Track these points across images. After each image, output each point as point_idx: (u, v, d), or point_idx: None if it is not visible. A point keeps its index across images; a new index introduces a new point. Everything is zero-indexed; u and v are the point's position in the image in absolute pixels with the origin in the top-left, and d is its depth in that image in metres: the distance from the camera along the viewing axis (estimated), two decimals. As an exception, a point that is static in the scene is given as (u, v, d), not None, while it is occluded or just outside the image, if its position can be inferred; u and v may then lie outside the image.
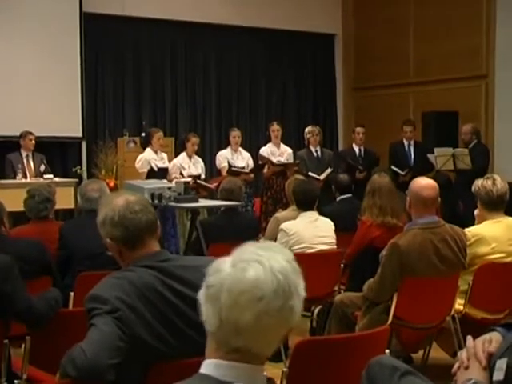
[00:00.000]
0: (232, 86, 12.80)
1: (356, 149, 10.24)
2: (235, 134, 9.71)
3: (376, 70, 12.78)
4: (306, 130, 10.01)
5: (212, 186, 8.82)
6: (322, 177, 9.36)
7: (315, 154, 9.84)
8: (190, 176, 8.94)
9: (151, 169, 8.91)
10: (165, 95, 12.16)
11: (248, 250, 1.54)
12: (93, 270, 4.09)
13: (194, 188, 8.44)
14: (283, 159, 9.70)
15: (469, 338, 1.91)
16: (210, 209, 8.22)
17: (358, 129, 10.32)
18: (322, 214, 5.82)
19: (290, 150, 9.94)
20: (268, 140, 9.91)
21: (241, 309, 1.47)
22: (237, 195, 6.53)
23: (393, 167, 9.76)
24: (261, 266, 1.50)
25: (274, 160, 9.63)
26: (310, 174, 9.29)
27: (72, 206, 9.11)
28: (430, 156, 9.57)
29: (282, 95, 13.27)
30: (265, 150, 9.75)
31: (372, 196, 5.50)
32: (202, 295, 1.55)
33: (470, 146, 9.66)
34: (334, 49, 13.76)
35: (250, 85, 12.98)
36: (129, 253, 2.56)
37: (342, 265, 5.62)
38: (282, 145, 9.92)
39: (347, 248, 5.63)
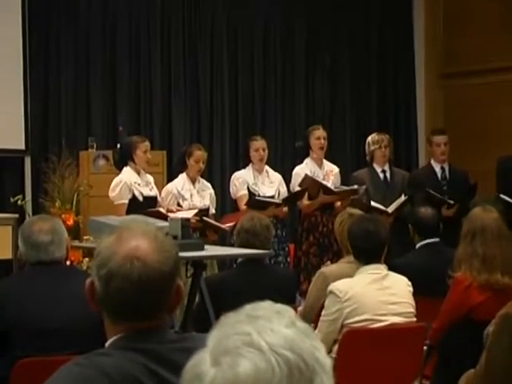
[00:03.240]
0: (255, 71, 12.83)
1: (437, 168, 10.12)
2: (259, 146, 9.68)
3: (477, 48, 12.78)
4: (369, 139, 9.99)
5: (225, 225, 8.86)
6: (390, 209, 9.28)
7: (382, 175, 9.85)
8: (192, 209, 8.96)
9: (133, 198, 8.95)
10: (152, 86, 12.20)
11: (226, 332, 1.54)
12: (42, 354, 4.10)
13: (197, 228, 8.49)
14: (330, 184, 9.64)
15: None
16: (221, 260, 8.20)
17: (438, 138, 10.16)
18: (392, 268, 5.83)
19: (336, 169, 9.98)
20: (306, 154, 9.88)
21: None
22: (263, 240, 6.54)
23: (503, 196, 9.68)
24: (253, 349, 1.50)
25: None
26: (373, 204, 9.26)
27: (9, 255, 9.18)
28: None
29: (330, 86, 13.30)
30: (302, 170, 9.70)
31: (471, 241, 5.50)
32: None
33: None
34: (412, 13, 13.80)
35: (283, 69, 13.01)
36: (110, 324, 2.59)
37: (425, 347, 5.61)
38: (325, 162, 9.94)
39: (433, 321, 5.62)
